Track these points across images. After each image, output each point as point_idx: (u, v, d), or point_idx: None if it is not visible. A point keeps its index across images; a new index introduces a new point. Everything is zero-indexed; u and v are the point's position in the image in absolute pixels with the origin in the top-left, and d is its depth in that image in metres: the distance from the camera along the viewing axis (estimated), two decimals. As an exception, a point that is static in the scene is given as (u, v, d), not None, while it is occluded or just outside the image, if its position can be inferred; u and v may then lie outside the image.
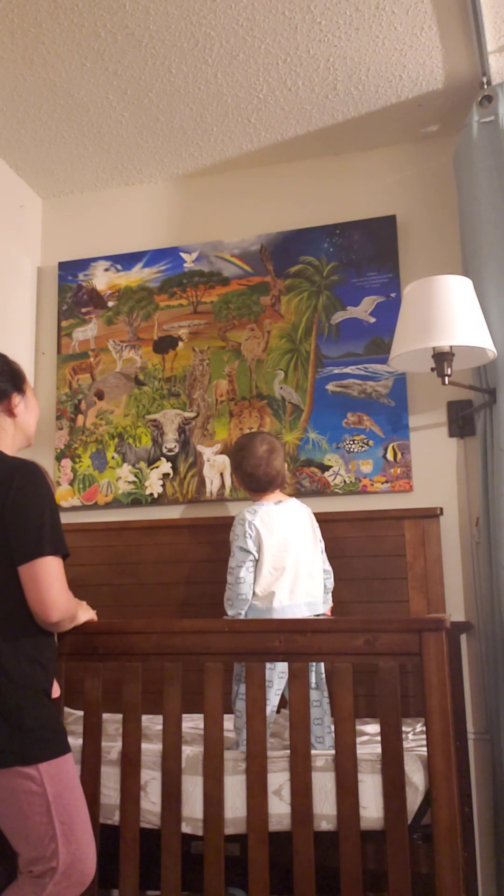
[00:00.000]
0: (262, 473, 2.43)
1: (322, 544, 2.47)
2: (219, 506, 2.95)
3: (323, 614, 2.43)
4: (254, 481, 2.44)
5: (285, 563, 2.31)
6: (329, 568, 2.49)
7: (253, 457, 2.43)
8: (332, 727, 2.22)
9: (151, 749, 2.07)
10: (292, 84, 2.71)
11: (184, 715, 1.99)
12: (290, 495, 2.54)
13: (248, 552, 2.31)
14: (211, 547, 2.82)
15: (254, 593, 2.30)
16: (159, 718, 2.19)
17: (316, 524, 2.48)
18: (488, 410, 2.59)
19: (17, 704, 1.64)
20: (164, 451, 3.04)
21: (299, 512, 2.45)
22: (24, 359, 3.12)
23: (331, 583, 2.49)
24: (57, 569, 1.69)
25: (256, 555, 2.31)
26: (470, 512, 2.72)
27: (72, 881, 1.66)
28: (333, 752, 1.91)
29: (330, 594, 2.49)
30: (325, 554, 2.48)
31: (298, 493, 2.86)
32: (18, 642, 1.68)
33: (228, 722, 2.22)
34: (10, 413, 1.84)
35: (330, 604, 2.50)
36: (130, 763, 1.97)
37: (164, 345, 3.13)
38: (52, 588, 1.67)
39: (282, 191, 3.14)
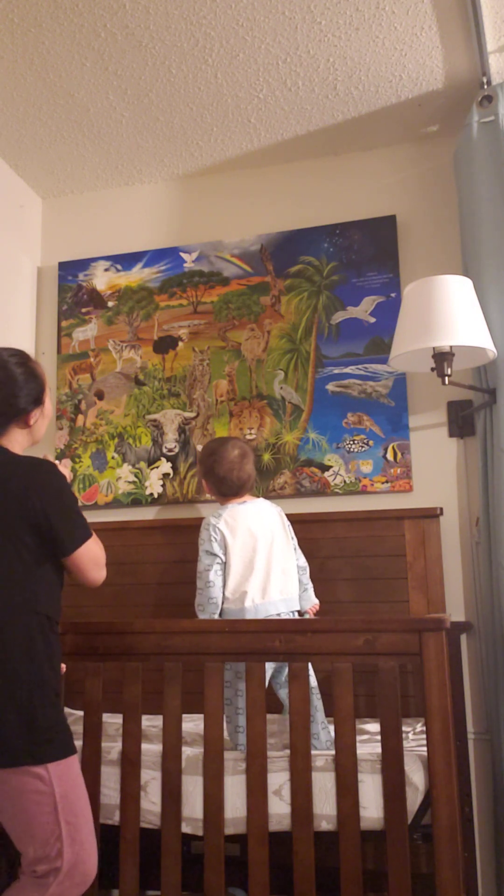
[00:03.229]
0: (234, 478, 2.43)
1: (295, 541, 2.47)
2: (219, 506, 2.95)
3: (305, 612, 2.42)
4: (225, 486, 2.44)
5: (254, 561, 2.31)
6: (304, 564, 2.47)
7: (225, 461, 2.44)
8: (327, 723, 2.22)
9: (151, 749, 2.07)
10: (292, 84, 2.72)
11: (184, 715, 2.00)
12: (290, 496, 2.54)
13: (215, 555, 2.31)
14: (211, 547, 2.82)
15: (225, 596, 2.29)
16: (159, 718, 2.19)
17: (287, 522, 2.47)
18: (488, 410, 2.59)
19: (31, 704, 1.65)
20: (164, 451, 3.04)
21: (268, 511, 2.44)
22: (24, 359, 3.11)
23: (306, 579, 2.46)
24: (93, 549, 1.80)
25: (223, 557, 2.32)
26: (470, 512, 2.72)
27: (74, 881, 1.66)
28: (333, 752, 1.91)
29: (311, 591, 2.47)
30: (299, 551, 2.47)
31: (298, 493, 2.86)
32: (33, 643, 1.69)
33: (228, 722, 2.23)
34: (26, 425, 1.85)
35: (313, 601, 2.46)
36: (130, 763, 1.97)
37: (164, 345, 3.13)
38: (93, 569, 1.81)
39: (282, 191, 3.14)
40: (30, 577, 1.71)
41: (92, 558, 1.80)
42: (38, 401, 1.85)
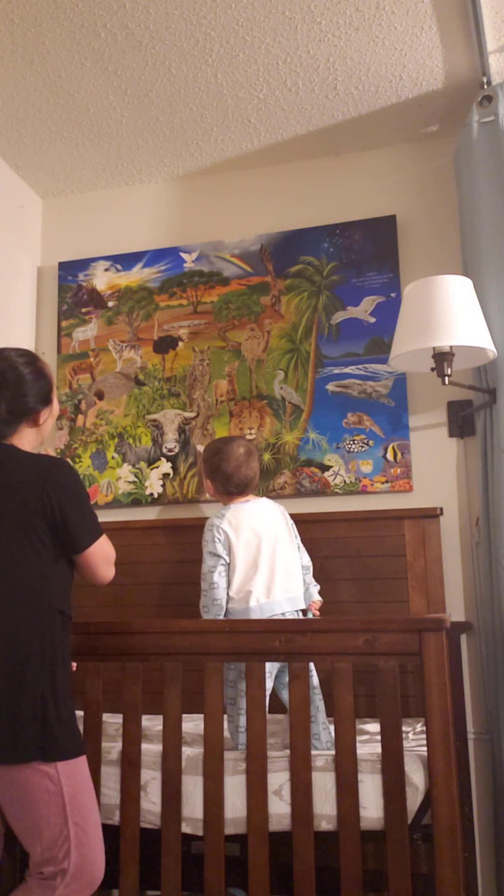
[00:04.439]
0: (242, 475, 2.43)
1: (298, 540, 2.46)
2: (219, 506, 2.95)
3: (308, 609, 2.42)
4: (232, 484, 2.44)
5: (259, 561, 2.30)
6: (308, 563, 2.47)
7: (233, 458, 2.44)
8: (327, 723, 2.22)
9: (151, 749, 2.07)
10: (292, 84, 2.71)
11: (184, 715, 2.00)
12: (290, 496, 2.53)
13: (219, 556, 2.31)
14: (211, 547, 2.81)
15: (229, 596, 2.29)
16: (159, 718, 2.19)
17: (291, 521, 2.47)
18: (488, 410, 2.59)
19: (43, 701, 1.65)
20: (164, 451, 3.04)
21: (271, 510, 2.44)
22: (24, 359, 3.11)
23: (309, 578, 2.46)
24: (105, 547, 1.84)
25: (227, 558, 2.31)
26: (470, 512, 2.72)
27: (81, 883, 1.66)
28: (333, 752, 1.91)
29: (315, 590, 2.47)
30: (303, 549, 2.47)
31: (298, 493, 2.86)
32: (48, 639, 1.69)
33: (228, 722, 2.22)
34: (36, 424, 1.87)
35: (314, 598, 2.45)
36: (130, 763, 1.97)
37: (164, 345, 3.13)
38: (105, 567, 1.84)
39: (282, 191, 3.14)
40: (46, 573, 1.72)
41: (104, 556, 1.82)
42: (46, 400, 1.88)
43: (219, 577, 2.29)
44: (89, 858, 1.66)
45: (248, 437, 2.94)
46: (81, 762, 1.70)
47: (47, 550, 1.73)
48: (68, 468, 1.80)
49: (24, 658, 1.66)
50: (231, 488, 2.44)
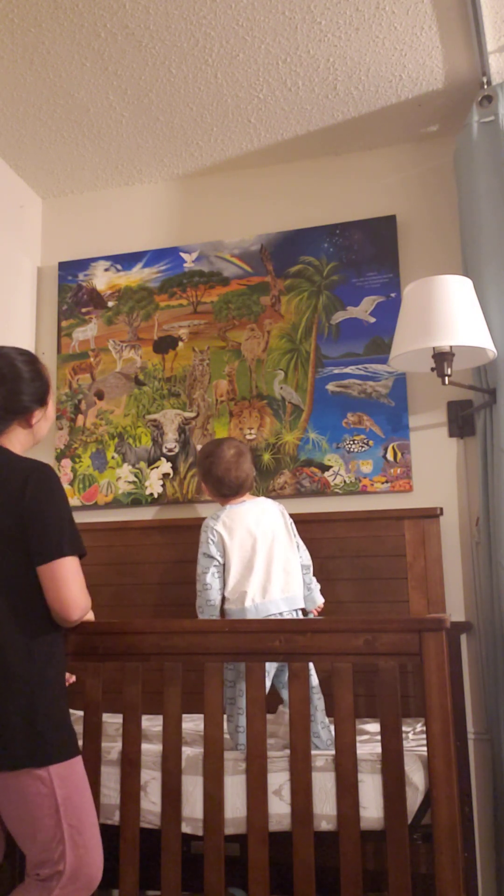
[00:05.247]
0: (232, 477, 2.43)
1: (298, 538, 2.46)
2: (219, 506, 2.95)
3: (310, 612, 2.41)
4: (224, 486, 2.43)
5: (254, 561, 2.30)
6: (308, 562, 2.46)
7: (223, 461, 2.43)
8: (327, 721, 2.22)
9: (151, 749, 2.07)
10: (292, 84, 2.71)
11: (184, 715, 1.99)
12: (290, 496, 2.53)
13: (212, 558, 2.31)
14: (211, 547, 2.81)
15: (225, 597, 2.29)
16: (159, 718, 2.19)
17: (290, 520, 2.46)
18: (488, 410, 2.59)
19: (33, 705, 1.64)
20: (164, 451, 3.04)
21: (268, 509, 2.44)
22: (24, 359, 3.11)
23: (309, 578, 2.45)
24: (76, 568, 1.72)
25: (221, 559, 2.32)
26: (470, 512, 2.72)
27: (78, 885, 1.65)
28: (333, 752, 1.91)
29: (315, 591, 2.45)
30: (303, 548, 2.46)
31: (298, 493, 2.86)
32: (35, 642, 1.68)
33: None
34: (28, 425, 1.85)
35: (317, 602, 2.44)
36: (130, 763, 1.97)
37: (164, 345, 3.13)
38: (72, 587, 1.69)
39: (282, 191, 3.14)
40: (28, 577, 1.70)
41: (74, 578, 1.69)
42: (41, 401, 1.86)
43: (212, 579, 2.30)
44: (86, 860, 1.66)
45: (248, 437, 2.94)
46: (76, 763, 1.68)
47: (28, 555, 1.70)
48: (50, 473, 1.76)
49: (11, 663, 1.65)
50: (224, 490, 2.45)
